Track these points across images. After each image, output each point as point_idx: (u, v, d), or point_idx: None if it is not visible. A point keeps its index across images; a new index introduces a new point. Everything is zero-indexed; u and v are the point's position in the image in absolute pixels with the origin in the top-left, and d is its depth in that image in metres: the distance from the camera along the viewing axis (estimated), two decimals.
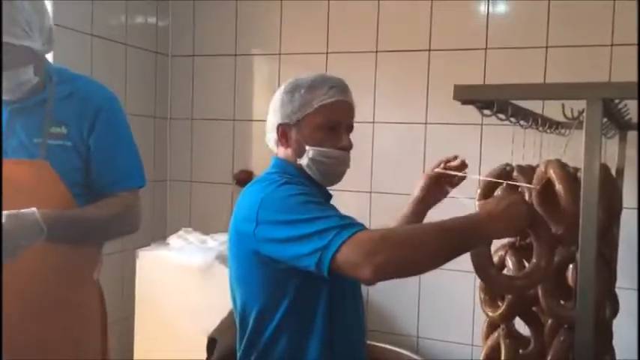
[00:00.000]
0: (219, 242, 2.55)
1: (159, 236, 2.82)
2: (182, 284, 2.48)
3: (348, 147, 1.48)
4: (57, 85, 1.46)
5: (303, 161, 1.44)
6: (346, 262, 1.20)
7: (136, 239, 2.63)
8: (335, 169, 1.47)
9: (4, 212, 1.20)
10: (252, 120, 3.17)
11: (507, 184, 1.54)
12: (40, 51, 1.39)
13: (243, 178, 3.11)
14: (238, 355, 1.49)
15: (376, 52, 2.87)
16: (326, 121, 1.44)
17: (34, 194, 1.35)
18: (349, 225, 1.23)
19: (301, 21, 3.01)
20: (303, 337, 1.39)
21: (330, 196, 1.55)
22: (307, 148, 1.43)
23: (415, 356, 2.56)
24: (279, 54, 3.06)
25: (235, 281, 1.48)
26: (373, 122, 2.86)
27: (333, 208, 1.36)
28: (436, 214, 2.64)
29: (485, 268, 1.40)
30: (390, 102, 2.86)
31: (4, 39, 1.30)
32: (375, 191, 2.86)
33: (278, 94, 1.50)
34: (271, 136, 1.52)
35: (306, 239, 1.24)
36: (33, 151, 1.39)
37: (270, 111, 1.51)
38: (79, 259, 1.48)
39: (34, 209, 1.26)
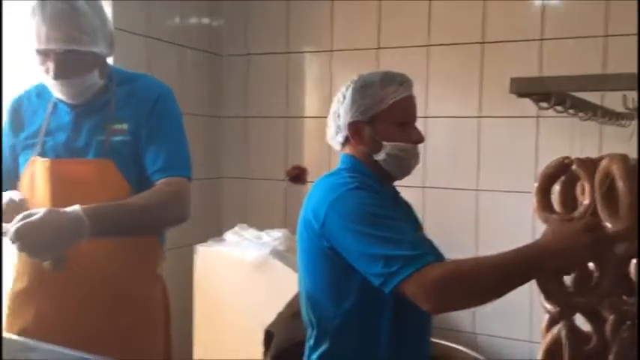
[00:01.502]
0: (273, 238, 2.59)
1: (215, 232, 2.88)
2: (238, 279, 2.53)
3: (422, 140, 1.51)
4: (118, 85, 1.51)
5: (380, 157, 1.47)
6: (408, 293, 1.25)
7: (194, 235, 2.71)
8: (410, 163, 1.51)
9: (46, 209, 1.22)
10: (304, 117, 3.20)
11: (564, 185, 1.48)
12: (103, 55, 1.44)
13: (297, 175, 3.14)
14: (308, 344, 1.51)
15: (428, 46, 2.85)
16: (400, 117, 1.48)
17: (100, 192, 1.40)
18: (417, 257, 1.26)
19: (352, 17, 3.02)
20: (371, 332, 1.40)
21: (397, 193, 1.59)
22: (384, 143, 1.46)
23: (473, 353, 2.53)
24: (331, 51, 3.07)
25: (303, 271, 1.50)
26: (426, 117, 2.84)
27: (402, 219, 1.37)
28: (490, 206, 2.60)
29: (545, 281, 1.37)
30: (443, 96, 2.84)
31: (72, 47, 1.35)
32: (428, 186, 2.84)
33: (347, 93, 1.49)
34: (340, 135, 1.53)
35: (372, 260, 1.28)
36: (97, 151, 1.45)
37: (339, 110, 1.51)
38: (143, 254, 1.53)
39: (76, 206, 1.27)
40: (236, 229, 2.72)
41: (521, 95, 1.34)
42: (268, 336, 2.51)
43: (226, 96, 3.34)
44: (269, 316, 2.48)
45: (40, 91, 1.53)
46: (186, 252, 2.69)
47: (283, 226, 2.99)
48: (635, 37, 2.44)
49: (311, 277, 1.47)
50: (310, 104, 3.19)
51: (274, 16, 3.20)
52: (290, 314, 2.55)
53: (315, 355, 1.47)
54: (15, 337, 1.25)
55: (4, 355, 1.18)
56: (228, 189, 3.34)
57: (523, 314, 2.62)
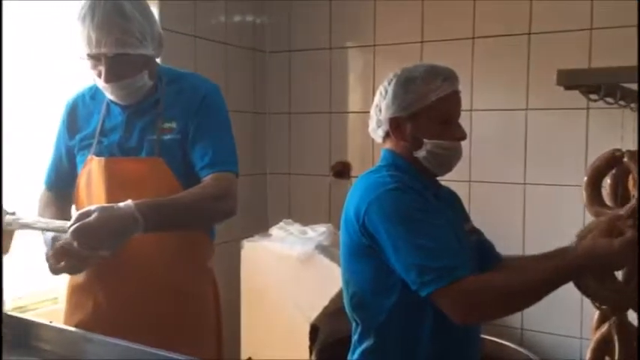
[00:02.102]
0: (318, 233, 2.61)
1: (261, 228, 2.92)
2: (284, 274, 2.56)
3: (464, 137, 1.48)
4: (167, 84, 1.55)
5: (420, 154, 1.45)
6: (438, 305, 1.29)
7: (240, 231, 2.75)
8: (451, 160, 1.48)
9: (101, 205, 1.27)
10: (348, 112, 3.20)
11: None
12: (152, 56, 1.48)
13: (340, 170, 3.15)
14: (353, 339, 1.52)
15: (473, 38, 2.81)
16: (443, 113, 1.45)
17: (151, 189, 1.45)
18: (450, 270, 1.26)
19: (395, 11, 3.00)
20: (415, 329, 1.40)
21: (439, 187, 1.57)
22: (425, 141, 1.43)
23: (520, 349, 2.50)
24: (374, 45, 3.07)
25: (345, 267, 1.51)
26: (471, 110, 2.80)
27: (440, 222, 1.36)
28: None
29: (585, 281, 1.35)
30: (489, 89, 2.79)
31: (122, 50, 1.40)
32: (474, 180, 2.81)
33: (390, 87, 1.47)
34: (381, 129, 1.52)
35: (407, 266, 1.31)
36: (149, 149, 1.49)
37: (380, 104, 1.49)
38: (194, 248, 1.57)
39: (129, 201, 1.30)
40: (281, 224, 2.75)
41: (568, 87, 1.32)
42: (314, 330, 2.54)
43: (270, 92, 3.37)
44: (315, 311, 2.50)
45: (94, 93, 1.58)
46: (233, 247, 2.74)
47: (327, 221, 3.00)
48: None
49: (353, 273, 1.48)
50: (353, 99, 3.19)
51: (317, 12, 3.21)
52: (335, 309, 2.57)
53: (359, 351, 1.48)
54: (73, 329, 1.30)
55: (63, 346, 1.24)
56: (273, 185, 3.37)
57: (574, 310, 2.56)
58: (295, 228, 2.68)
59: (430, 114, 1.44)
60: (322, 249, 2.49)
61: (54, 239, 1.34)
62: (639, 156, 1.40)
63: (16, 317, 1.32)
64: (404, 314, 1.40)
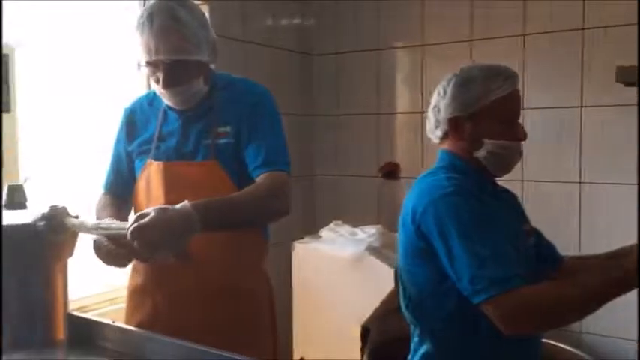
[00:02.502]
0: (368, 234, 2.61)
1: (310, 230, 2.94)
2: (335, 275, 2.57)
3: (525, 137, 1.46)
4: (220, 90, 1.58)
5: (480, 154, 1.43)
6: (487, 314, 1.27)
7: (290, 232, 2.77)
8: (511, 161, 1.47)
9: (158, 207, 1.28)
10: (396, 113, 3.19)
11: None
12: (207, 62, 1.52)
13: (390, 171, 3.14)
14: (413, 341, 1.52)
15: (524, 35, 2.76)
16: (504, 113, 1.43)
17: (207, 191, 1.47)
18: (502, 280, 1.24)
19: (443, 10, 2.97)
20: (474, 333, 1.39)
21: (498, 188, 1.55)
22: (485, 141, 1.42)
23: (578, 352, 2.44)
24: (422, 45, 3.05)
25: (403, 270, 1.50)
26: (523, 108, 2.74)
27: (497, 228, 1.34)
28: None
29: None
30: (541, 86, 2.74)
31: (179, 57, 1.43)
32: (527, 180, 2.76)
33: (449, 87, 1.46)
34: (439, 130, 1.50)
35: (460, 272, 1.29)
36: (205, 153, 1.52)
37: (439, 104, 1.48)
38: (249, 249, 1.60)
39: (185, 202, 1.31)
40: (331, 225, 2.76)
41: (628, 84, 1.28)
42: (365, 331, 2.54)
43: (318, 95, 3.38)
44: (366, 312, 2.50)
45: (152, 100, 1.62)
46: (284, 249, 2.76)
47: (376, 222, 3.00)
48: None
49: (410, 275, 1.47)
50: (402, 100, 3.17)
51: (364, 13, 3.21)
52: (386, 310, 2.55)
53: (419, 354, 1.47)
54: (135, 328, 1.33)
55: (126, 345, 1.27)
56: (322, 186, 3.39)
57: (634, 313, 2.48)
58: (345, 229, 2.69)
59: (491, 113, 1.42)
60: (373, 250, 2.49)
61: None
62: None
63: (78, 317, 1.37)
64: (462, 319, 1.38)
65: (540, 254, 1.52)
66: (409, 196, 1.46)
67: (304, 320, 2.67)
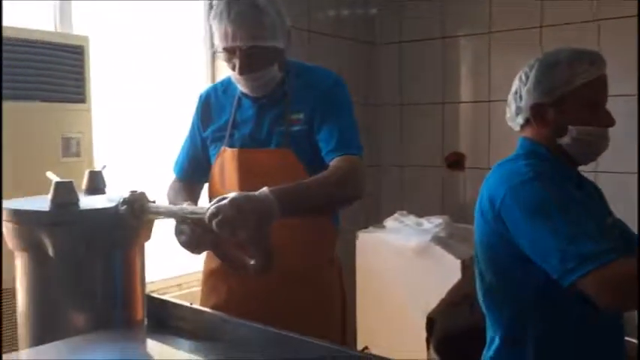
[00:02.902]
0: (434, 224, 2.58)
1: (374, 219, 2.93)
2: (400, 265, 2.55)
3: (613, 124, 1.41)
4: (295, 77, 1.59)
5: (564, 141, 1.39)
6: (585, 291, 1.21)
7: (354, 221, 2.77)
8: (598, 148, 1.42)
9: (240, 194, 1.26)
10: (460, 102, 3.13)
11: None
12: (282, 49, 1.52)
13: (455, 161, 3.09)
14: (489, 334, 1.48)
15: (598, 20, 2.65)
16: (590, 98, 1.38)
17: (281, 178, 1.46)
18: (596, 254, 1.19)
19: None
20: (555, 324, 1.35)
21: (581, 178, 1.50)
22: (570, 127, 1.38)
23: None
24: (489, 32, 2.98)
25: (481, 259, 1.47)
26: None
27: (583, 209, 1.29)
28: None
29: None
30: (617, 74, 2.62)
31: (255, 43, 1.44)
32: (601, 171, 2.66)
33: (532, 72, 1.42)
34: (520, 117, 1.46)
35: (548, 254, 1.24)
36: (279, 140, 1.53)
37: (521, 90, 1.44)
38: (321, 235, 1.60)
39: (264, 188, 1.30)
40: (396, 215, 2.74)
41: None
42: (430, 323, 2.51)
43: (382, 84, 3.36)
44: (431, 303, 2.47)
45: (227, 87, 1.64)
46: (347, 238, 2.76)
47: (440, 213, 2.96)
48: None
49: (490, 264, 1.44)
50: (467, 89, 3.12)
51: (427, 1, 3.16)
52: (452, 301, 2.52)
53: (495, 346, 1.44)
54: (210, 311, 1.36)
55: (203, 327, 1.30)
56: (386, 176, 3.37)
57: None
58: (410, 219, 2.67)
59: (576, 99, 1.37)
60: (439, 241, 2.46)
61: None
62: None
63: (157, 299, 1.40)
64: (543, 307, 1.34)
65: (626, 248, 1.46)
66: (486, 184, 1.43)
67: (368, 310, 2.67)
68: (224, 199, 1.25)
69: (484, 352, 1.47)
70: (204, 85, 2.89)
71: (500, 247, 1.37)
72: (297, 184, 1.40)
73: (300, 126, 1.53)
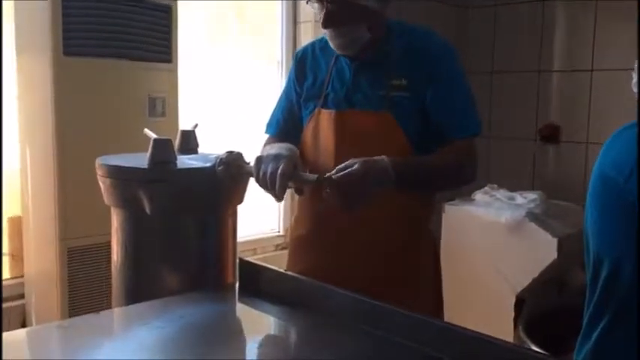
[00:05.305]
0: (528, 200, 2.44)
1: (462, 192, 2.80)
2: (489, 241, 2.44)
3: None
4: (397, 38, 1.49)
5: None
6: None
7: (440, 194, 2.66)
8: None
9: (362, 160, 1.26)
10: (557, 70, 2.94)
11: None
12: (373, 9, 1.43)
13: (550, 134, 2.92)
14: (588, 311, 1.38)
15: None
16: None
17: (379, 143, 1.41)
18: None
19: None
20: None
21: None
22: None
23: None
24: None
25: (590, 228, 1.36)
26: None
27: None
28: None
29: None
30: None
31: None
32: None
33: None
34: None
35: None
36: (377, 103, 1.45)
37: None
38: (418, 207, 1.52)
39: (383, 156, 1.29)
40: (486, 189, 2.61)
41: None
42: (519, 303, 2.40)
43: (473, 50, 3.19)
44: (522, 282, 2.36)
45: (324, 45, 1.57)
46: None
47: (531, 188, 2.81)
48: None
49: (598, 236, 1.33)
50: (566, 56, 2.91)
51: None
52: (545, 281, 2.40)
53: (598, 335, 1.33)
54: (302, 277, 1.31)
55: (293, 292, 1.26)
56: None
57: None
58: (502, 193, 2.53)
59: None
60: (534, 217, 2.32)
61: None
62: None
63: (250, 262, 1.37)
64: None
65: None
66: (607, 150, 1.31)
67: (452, 287, 2.54)
68: (348, 166, 1.25)
69: (579, 338, 1.37)
70: (284, 51, 2.84)
71: (626, 219, 1.25)
72: (417, 161, 1.40)
73: (403, 92, 1.44)
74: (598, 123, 2.78)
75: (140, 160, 1.32)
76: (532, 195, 2.45)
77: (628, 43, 2.68)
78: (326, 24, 1.42)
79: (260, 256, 2.83)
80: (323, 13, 1.42)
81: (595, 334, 1.33)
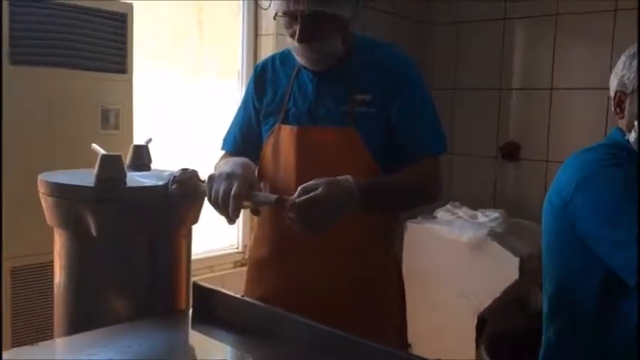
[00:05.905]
0: (490, 218, 2.43)
1: (424, 209, 2.77)
2: (450, 259, 2.41)
3: None
4: (360, 53, 1.45)
5: (631, 137, 1.30)
6: None
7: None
8: None
9: (326, 181, 1.20)
10: (517, 88, 2.96)
11: None
12: (347, 20, 1.38)
13: (509, 151, 2.92)
14: (547, 335, 1.38)
15: None
16: None
17: (343, 160, 1.37)
18: None
19: None
20: (610, 320, 1.26)
21: None
22: (636, 124, 1.28)
23: None
24: (556, 14, 2.78)
25: (545, 254, 1.39)
26: None
27: None
28: None
29: None
30: None
31: (319, 8, 1.31)
32: None
33: (620, 60, 1.35)
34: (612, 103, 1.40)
35: (616, 247, 1.18)
36: (340, 119, 1.40)
37: (613, 74, 1.38)
38: (382, 227, 1.48)
39: (348, 176, 1.24)
40: (448, 206, 2.59)
41: None
42: (481, 322, 2.37)
43: (435, 67, 3.19)
44: (484, 302, 2.33)
45: (285, 59, 1.52)
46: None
47: (492, 206, 2.80)
48: None
49: (557, 259, 1.36)
50: (526, 74, 2.93)
51: None
52: (507, 301, 2.38)
53: (553, 348, 1.34)
54: (261, 304, 1.24)
55: (252, 319, 1.19)
56: None
57: None
58: (464, 211, 2.52)
59: None
60: (496, 236, 2.31)
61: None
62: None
63: (205, 287, 1.30)
64: (612, 307, 1.25)
65: None
66: (561, 172, 1.35)
67: (414, 305, 2.52)
68: (311, 189, 1.18)
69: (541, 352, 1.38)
70: (245, 64, 2.79)
71: (567, 243, 1.30)
72: (383, 182, 1.35)
73: (367, 108, 1.40)
74: (557, 141, 2.80)
75: (87, 177, 1.24)
76: (494, 213, 2.44)
77: (587, 63, 2.72)
78: (302, 38, 1.36)
79: (218, 274, 2.73)
80: (298, 27, 1.36)
81: (541, 351, 1.36)
